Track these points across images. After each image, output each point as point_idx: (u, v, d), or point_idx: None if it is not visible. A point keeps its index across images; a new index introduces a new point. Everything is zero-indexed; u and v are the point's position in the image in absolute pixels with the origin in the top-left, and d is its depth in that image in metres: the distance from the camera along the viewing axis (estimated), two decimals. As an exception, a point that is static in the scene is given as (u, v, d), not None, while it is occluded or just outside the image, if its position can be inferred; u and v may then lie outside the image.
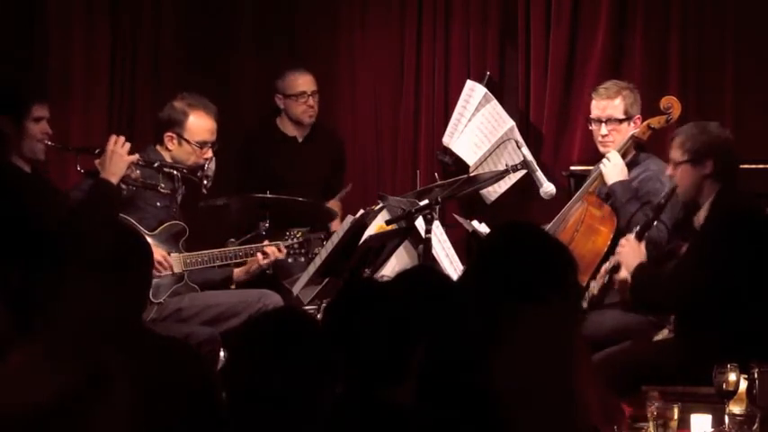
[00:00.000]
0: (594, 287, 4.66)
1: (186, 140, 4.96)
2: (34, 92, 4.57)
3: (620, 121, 5.10)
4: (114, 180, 4.67)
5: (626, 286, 4.54)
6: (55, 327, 2.62)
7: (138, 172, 4.80)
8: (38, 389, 1.86)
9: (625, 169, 5.00)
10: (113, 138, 4.74)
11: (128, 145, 4.74)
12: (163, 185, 4.86)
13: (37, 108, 4.49)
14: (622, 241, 4.54)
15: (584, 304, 4.67)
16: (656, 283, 4.36)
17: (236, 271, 5.09)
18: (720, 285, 4.12)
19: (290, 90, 5.83)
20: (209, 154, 5.01)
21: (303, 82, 5.83)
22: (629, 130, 5.10)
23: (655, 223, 4.66)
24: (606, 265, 4.64)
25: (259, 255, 5.00)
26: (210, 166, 4.93)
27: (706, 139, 4.37)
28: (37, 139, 4.49)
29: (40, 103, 4.52)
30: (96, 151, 4.76)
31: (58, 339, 2.29)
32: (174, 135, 4.97)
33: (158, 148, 5.01)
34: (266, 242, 5.08)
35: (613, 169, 4.98)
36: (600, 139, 5.15)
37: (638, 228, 4.56)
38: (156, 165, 4.87)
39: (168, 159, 4.99)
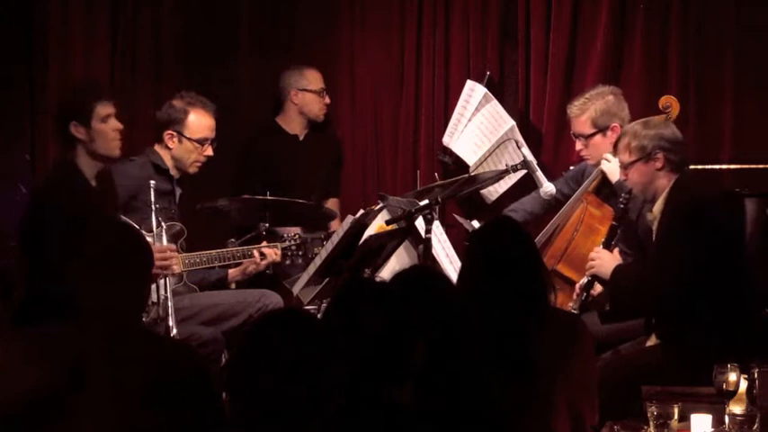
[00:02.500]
0: (573, 307, 4.65)
1: (187, 138, 5.01)
2: (95, 91, 4.56)
3: (588, 136, 5.10)
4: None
5: (603, 299, 4.57)
6: (43, 324, 2.62)
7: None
8: (19, 384, 1.86)
9: None
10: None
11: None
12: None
13: (101, 107, 4.46)
14: (592, 255, 4.56)
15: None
16: (638, 283, 4.39)
17: (232, 271, 5.09)
18: (690, 278, 4.15)
19: (312, 86, 5.87)
20: (210, 151, 5.06)
21: (320, 79, 5.88)
22: (606, 141, 5.06)
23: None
24: (580, 282, 4.64)
25: (256, 253, 5.01)
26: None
27: (652, 134, 4.38)
28: (109, 137, 4.47)
29: (102, 101, 4.49)
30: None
31: (43, 336, 2.30)
32: (175, 133, 5.01)
33: (157, 147, 5.03)
34: (264, 243, 5.10)
35: (616, 166, 4.98)
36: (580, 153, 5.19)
37: (603, 239, 4.59)
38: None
39: (168, 158, 5.02)
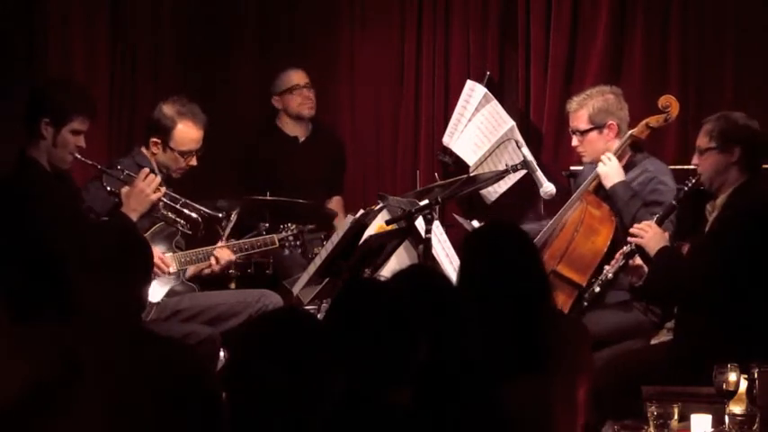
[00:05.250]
0: (609, 271, 4.66)
1: (171, 148, 4.98)
2: (80, 104, 4.57)
3: (584, 132, 5.10)
4: (134, 216, 4.65)
5: (640, 273, 4.55)
6: (34, 321, 2.62)
7: (161, 204, 4.80)
8: (12, 381, 1.86)
9: (621, 169, 4.99)
10: (144, 173, 4.74)
11: (157, 181, 4.74)
12: (183, 223, 4.86)
13: (78, 121, 4.50)
14: (644, 226, 4.54)
15: (591, 295, 4.68)
16: (678, 267, 4.37)
17: (190, 269, 5.05)
18: (729, 275, 4.13)
19: (284, 86, 5.87)
20: (193, 161, 5.04)
21: (295, 76, 5.85)
22: (601, 138, 5.06)
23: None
24: (623, 249, 4.64)
25: (212, 259, 4.98)
26: (232, 218, 4.94)
27: (734, 127, 4.39)
28: (69, 150, 4.50)
29: (82, 116, 4.52)
30: (122, 176, 4.76)
31: (38, 334, 2.29)
32: (160, 141, 4.99)
33: (144, 150, 5.03)
34: (252, 235, 5.08)
35: (611, 171, 4.97)
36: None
37: (659, 214, 4.57)
38: (179, 204, 4.86)
39: (153, 162, 5.01)
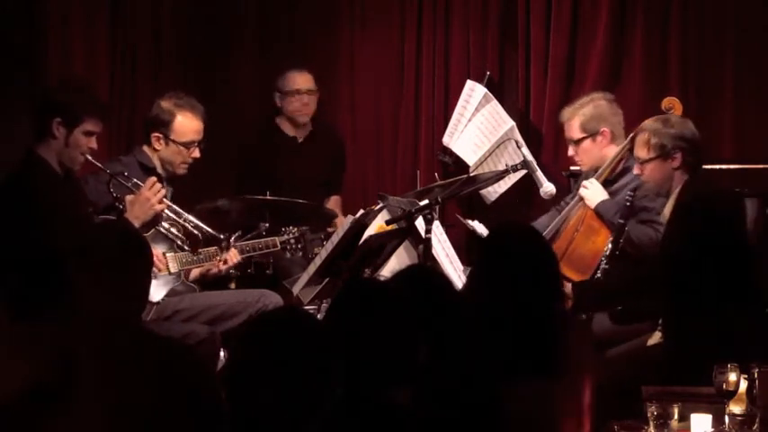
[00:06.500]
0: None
1: (173, 141, 4.98)
2: (94, 106, 4.57)
3: (578, 141, 5.11)
4: (136, 224, 4.63)
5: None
6: (34, 321, 2.61)
7: (164, 216, 4.80)
8: (9, 380, 1.87)
9: (603, 189, 5.00)
10: (151, 182, 4.74)
11: (162, 192, 4.74)
12: (183, 239, 4.85)
13: (90, 122, 4.49)
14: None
15: None
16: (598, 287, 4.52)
17: (194, 271, 5.05)
18: (683, 270, 4.15)
19: (286, 87, 5.87)
20: (197, 153, 5.04)
21: (299, 80, 5.85)
22: (595, 146, 5.08)
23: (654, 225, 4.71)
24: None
25: (220, 262, 4.97)
26: (233, 242, 4.95)
27: (672, 133, 4.42)
28: (81, 151, 4.49)
29: (95, 118, 4.52)
30: (130, 183, 4.76)
31: (37, 333, 2.30)
32: (161, 135, 4.99)
33: (146, 148, 5.03)
34: (253, 235, 5.08)
35: (594, 193, 4.99)
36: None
37: (612, 239, 4.67)
38: (182, 219, 4.86)
39: (156, 159, 5.01)
